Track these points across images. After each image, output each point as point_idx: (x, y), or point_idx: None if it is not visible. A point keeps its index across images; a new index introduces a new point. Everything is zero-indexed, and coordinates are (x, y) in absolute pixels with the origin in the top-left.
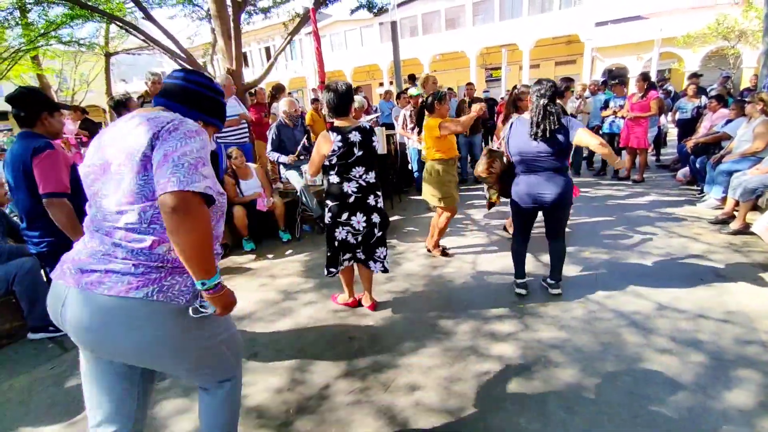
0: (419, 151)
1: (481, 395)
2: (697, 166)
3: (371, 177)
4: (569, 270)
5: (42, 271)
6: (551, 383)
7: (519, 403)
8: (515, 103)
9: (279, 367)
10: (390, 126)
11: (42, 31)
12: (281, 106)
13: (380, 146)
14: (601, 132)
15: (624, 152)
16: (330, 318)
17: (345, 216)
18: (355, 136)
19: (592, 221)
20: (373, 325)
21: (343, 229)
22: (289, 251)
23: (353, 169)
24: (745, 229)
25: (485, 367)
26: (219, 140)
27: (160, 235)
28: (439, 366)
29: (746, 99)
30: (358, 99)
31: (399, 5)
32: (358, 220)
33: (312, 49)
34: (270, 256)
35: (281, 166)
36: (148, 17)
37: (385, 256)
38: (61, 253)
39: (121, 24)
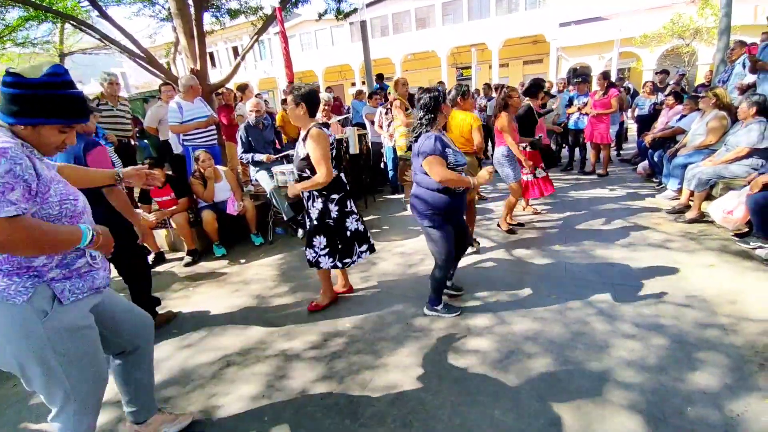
0: (395, 150)
1: (457, 390)
2: (655, 159)
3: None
4: (541, 263)
5: None
6: (525, 374)
7: (494, 396)
8: (506, 102)
9: (254, 373)
10: (363, 126)
11: None
12: (246, 107)
13: (353, 146)
14: (566, 128)
15: (588, 146)
16: (305, 322)
17: (351, 205)
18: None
19: (561, 215)
20: (349, 327)
21: (351, 218)
22: (262, 255)
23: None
24: (701, 218)
25: (461, 363)
26: (186, 143)
27: None
28: (417, 364)
29: (700, 95)
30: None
31: (369, 5)
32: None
33: (281, 49)
34: (242, 261)
35: (251, 168)
36: (104, 15)
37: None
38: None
39: (75, 23)
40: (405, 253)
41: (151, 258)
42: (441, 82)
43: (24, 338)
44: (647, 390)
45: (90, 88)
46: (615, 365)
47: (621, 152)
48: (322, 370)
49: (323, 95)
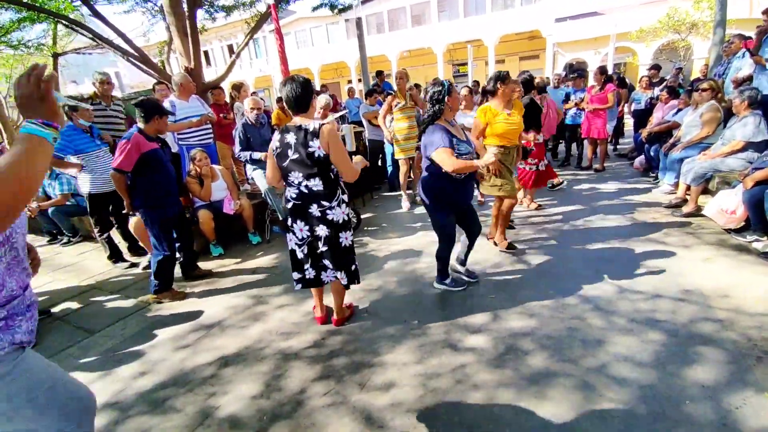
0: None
1: (455, 388)
2: (652, 154)
3: (315, 184)
4: (539, 259)
5: None
6: (522, 371)
7: (492, 393)
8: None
9: (252, 373)
10: (358, 123)
11: None
12: (245, 105)
13: (350, 144)
14: (563, 123)
15: (585, 142)
16: (303, 321)
17: (290, 221)
18: (291, 137)
19: (558, 210)
20: (347, 325)
21: (291, 235)
22: (260, 254)
23: (290, 174)
24: (697, 212)
25: (459, 360)
26: (181, 142)
27: None
28: (415, 362)
29: (696, 89)
30: (322, 97)
31: (364, 1)
32: (300, 228)
33: (276, 47)
34: (239, 260)
35: (247, 167)
36: (96, 14)
37: (332, 269)
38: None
39: (67, 23)
40: (402, 250)
41: (146, 259)
42: (436, 79)
43: None
44: (645, 385)
45: (83, 88)
46: (612, 360)
47: (618, 147)
48: (321, 368)
49: (323, 97)
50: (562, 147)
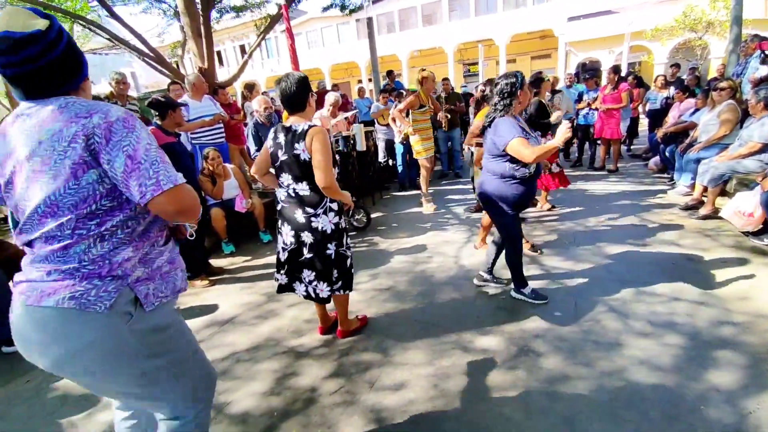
0: (405, 147)
1: (466, 389)
2: (667, 154)
3: (302, 189)
4: (552, 261)
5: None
6: (534, 372)
7: (503, 394)
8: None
9: (263, 370)
10: (368, 123)
11: None
12: (254, 105)
13: (360, 143)
14: (575, 123)
15: (598, 142)
16: (314, 319)
17: (278, 224)
18: (281, 137)
19: (570, 211)
20: (366, 318)
21: (279, 237)
22: (270, 252)
23: (281, 175)
24: (714, 214)
25: (470, 361)
26: (194, 141)
27: (80, 238)
28: (425, 362)
29: (713, 88)
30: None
31: (375, 1)
32: (286, 232)
33: (287, 47)
34: (250, 257)
35: None
36: (113, 15)
37: (313, 282)
38: None
39: (84, 23)
40: (413, 250)
41: None
42: (446, 79)
43: (120, 350)
44: (660, 388)
45: (100, 87)
46: (627, 364)
47: (631, 147)
48: (331, 367)
49: (332, 95)
50: (574, 147)
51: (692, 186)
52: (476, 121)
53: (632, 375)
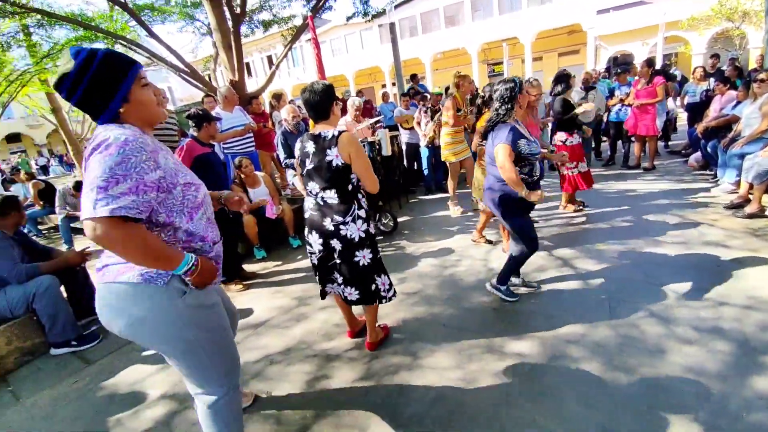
0: (430, 150)
1: (497, 394)
2: (709, 150)
3: (331, 197)
4: (585, 263)
5: (62, 288)
6: (569, 379)
7: (535, 401)
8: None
9: (295, 372)
10: (393, 128)
11: (48, 53)
12: (282, 114)
13: (385, 148)
14: (607, 120)
15: (633, 139)
16: (344, 323)
17: (306, 232)
18: (309, 146)
19: (604, 212)
20: (388, 328)
21: (308, 246)
22: (300, 257)
23: (309, 183)
24: (761, 213)
25: (501, 365)
26: (226, 151)
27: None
28: (455, 366)
29: (754, 79)
30: (353, 99)
31: (397, 6)
32: (314, 240)
33: (313, 56)
34: (280, 262)
35: (288, 172)
36: (152, 34)
37: (342, 285)
38: None
39: (125, 43)
40: (440, 254)
41: None
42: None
43: (173, 319)
44: (703, 396)
45: None
46: (670, 371)
47: (669, 144)
48: (361, 370)
49: (354, 99)
50: (605, 146)
51: (737, 183)
52: (478, 126)
53: (673, 383)
